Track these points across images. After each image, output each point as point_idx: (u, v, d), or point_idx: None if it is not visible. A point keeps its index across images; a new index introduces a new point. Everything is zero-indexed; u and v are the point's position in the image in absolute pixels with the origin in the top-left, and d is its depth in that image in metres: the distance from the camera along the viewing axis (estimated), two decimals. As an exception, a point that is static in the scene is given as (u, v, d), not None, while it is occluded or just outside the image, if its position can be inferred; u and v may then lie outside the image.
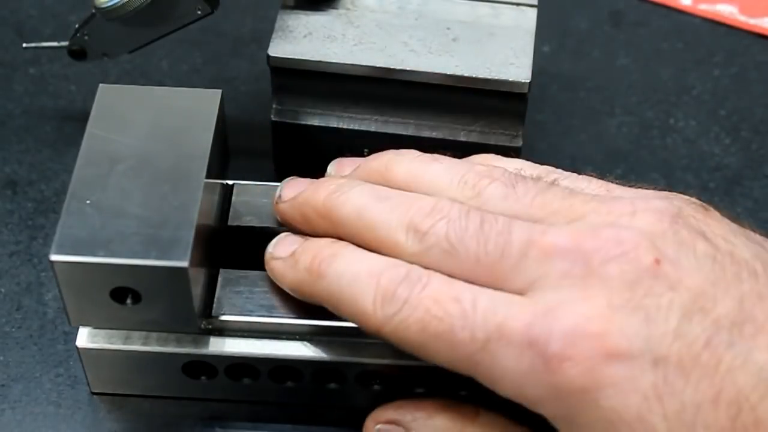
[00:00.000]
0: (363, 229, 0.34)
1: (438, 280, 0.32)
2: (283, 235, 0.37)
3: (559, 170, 0.37)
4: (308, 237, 0.36)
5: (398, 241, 0.33)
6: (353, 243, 0.35)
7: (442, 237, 0.33)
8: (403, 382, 0.38)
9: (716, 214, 0.33)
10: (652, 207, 0.32)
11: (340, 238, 0.35)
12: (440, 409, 0.35)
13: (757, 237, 0.33)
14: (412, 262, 0.33)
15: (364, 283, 0.33)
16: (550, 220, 0.33)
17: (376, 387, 0.38)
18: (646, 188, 0.35)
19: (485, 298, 0.31)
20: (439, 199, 0.34)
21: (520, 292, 0.31)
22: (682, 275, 0.30)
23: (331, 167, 0.39)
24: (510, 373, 0.31)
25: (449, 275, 0.32)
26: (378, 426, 0.36)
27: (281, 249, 0.37)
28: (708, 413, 0.29)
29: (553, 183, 0.35)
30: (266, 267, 0.37)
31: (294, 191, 0.37)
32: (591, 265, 0.31)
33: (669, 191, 0.35)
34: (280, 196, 0.38)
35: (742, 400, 0.29)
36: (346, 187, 0.35)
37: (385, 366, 0.37)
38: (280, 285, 0.37)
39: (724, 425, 0.29)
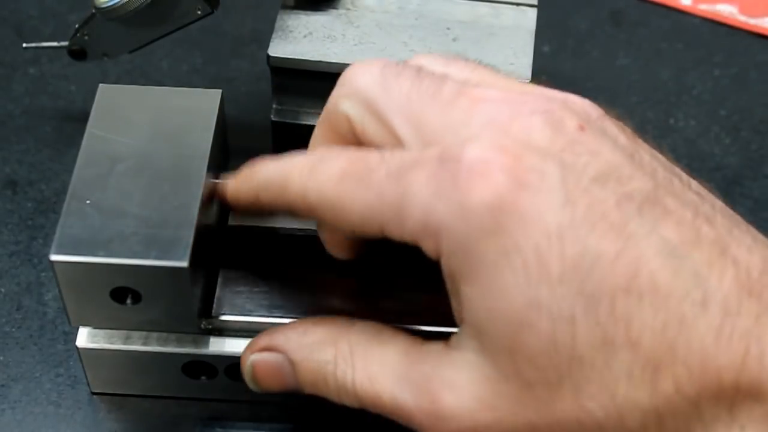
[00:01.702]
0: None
1: (354, 148, 0.32)
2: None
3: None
4: None
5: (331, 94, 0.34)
6: None
7: (378, 72, 0.33)
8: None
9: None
10: (585, 102, 0.33)
11: None
12: (313, 325, 0.35)
13: (676, 169, 0.33)
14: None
15: (291, 163, 0.33)
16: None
17: (376, 387, 0.38)
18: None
19: (401, 149, 0.32)
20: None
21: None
22: (603, 149, 0.30)
23: None
24: (420, 198, 0.30)
25: (380, 115, 0.32)
26: (253, 356, 0.35)
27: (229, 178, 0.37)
28: (606, 266, 0.28)
29: (486, 66, 0.35)
30: (224, 201, 0.37)
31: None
32: (516, 114, 0.31)
33: None
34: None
35: (643, 263, 0.28)
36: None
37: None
38: (229, 204, 0.37)
39: (618, 282, 0.28)
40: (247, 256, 0.39)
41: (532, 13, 0.44)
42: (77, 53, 0.46)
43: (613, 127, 0.32)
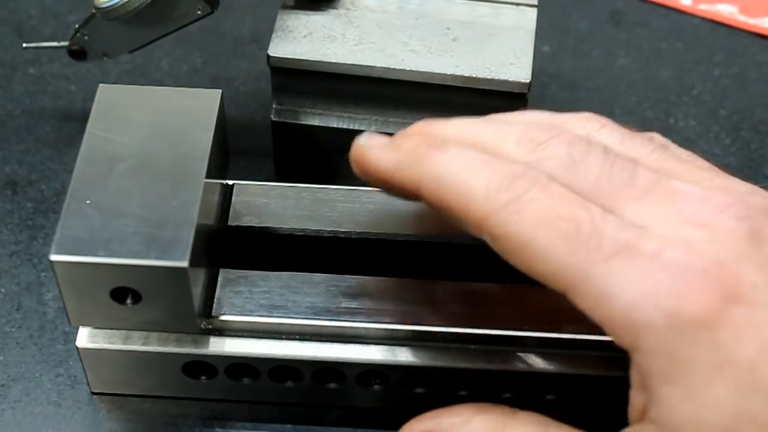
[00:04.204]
0: (469, 142, 0.33)
1: (559, 186, 0.30)
2: (370, 133, 0.35)
3: (662, 137, 0.36)
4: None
5: (507, 152, 0.32)
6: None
7: (563, 151, 0.31)
8: (403, 383, 0.38)
9: None
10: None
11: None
12: (477, 412, 0.34)
13: None
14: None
15: (478, 169, 0.31)
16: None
17: (376, 387, 0.38)
18: None
19: (613, 216, 0.30)
20: (556, 124, 0.33)
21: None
22: None
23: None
24: (628, 291, 0.29)
25: None
26: None
27: (377, 138, 0.34)
28: None
29: (665, 146, 0.34)
30: (353, 156, 0.34)
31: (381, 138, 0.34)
32: (717, 215, 0.30)
33: None
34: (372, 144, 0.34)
35: None
36: (449, 119, 0.34)
37: (385, 366, 0.37)
38: (368, 173, 0.34)
39: None
40: (247, 256, 0.39)
41: (532, 13, 0.44)
42: (77, 53, 0.46)
43: None
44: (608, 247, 0.30)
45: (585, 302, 0.30)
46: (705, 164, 0.35)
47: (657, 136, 0.35)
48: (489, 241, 0.31)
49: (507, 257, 0.31)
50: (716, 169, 0.34)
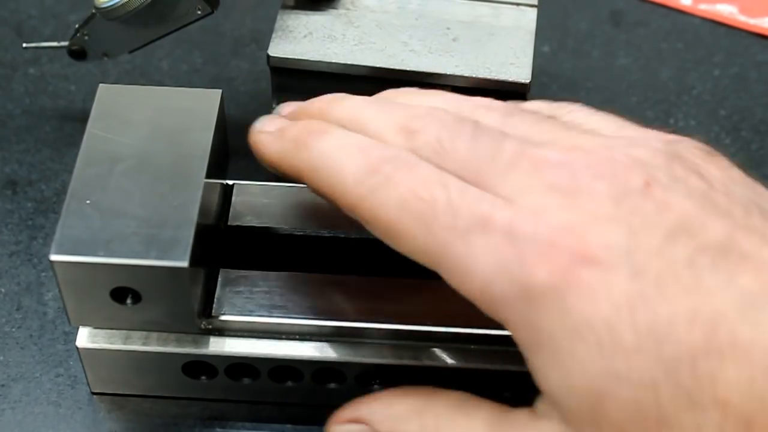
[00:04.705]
0: (354, 127, 0.34)
1: (427, 166, 0.31)
2: (270, 115, 0.37)
3: (579, 105, 0.36)
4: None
5: (386, 140, 0.33)
6: None
7: (432, 137, 0.32)
8: (402, 383, 0.38)
9: (722, 161, 0.32)
10: (650, 144, 0.32)
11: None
12: (397, 396, 0.34)
13: (764, 192, 0.32)
14: None
15: (350, 155, 0.32)
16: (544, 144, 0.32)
17: (376, 387, 0.38)
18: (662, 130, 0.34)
19: (473, 192, 0.31)
20: (436, 107, 0.33)
21: (506, 200, 0.31)
22: (672, 201, 0.30)
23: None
24: (482, 266, 0.30)
25: None
26: (337, 428, 0.35)
27: (269, 124, 0.36)
28: (682, 329, 0.28)
29: (552, 117, 0.34)
30: (250, 141, 0.36)
31: (289, 109, 0.37)
32: (579, 179, 0.30)
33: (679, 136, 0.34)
34: (263, 126, 0.36)
35: (720, 320, 0.28)
36: (345, 96, 0.36)
37: (385, 366, 0.37)
38: (260, 159, 0.36)
39: (696, 344, 0.27)
40: (247, 256, 0.39)
41: (532, 13, 0.44)
42: (77, 53, 0.46)
43: (681, 168, 0.31)
44: (463, 223, 0.30)
45: (452, 280, 0.31)
46: (604, 123, 0.34)
47: (560, 108, 0.35)
48: (364, 226, 0.32)
49: (383, 240, 0.32)
50: (619, 123, 0.34)
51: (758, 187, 0.32)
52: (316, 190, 0.34)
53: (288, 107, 0.38)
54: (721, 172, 0.31)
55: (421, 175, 0.31)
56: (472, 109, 0.34)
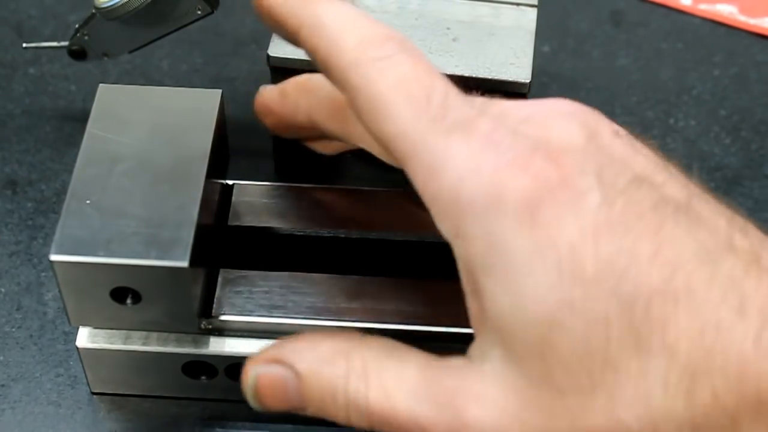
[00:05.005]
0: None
1: (430, 62, 0.31)
2: None
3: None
4: None
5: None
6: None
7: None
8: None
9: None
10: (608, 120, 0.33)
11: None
12: (323, 337, 0.33)
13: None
14: None
15: (358, 22, 0.31)
16: None
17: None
18: None
19: (468, 96, 0.31)
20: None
21: None
22: (636, 156, 0.30)
23: None
24: (457, 164, 0.29)
25: None
26: (257, 368, 0.33)
27: None
28: (641, 266, 0.28)
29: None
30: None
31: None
32: (554, 117, 0.31)
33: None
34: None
35: (678, 265, 0.28)
36: None
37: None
38: (260, 7, 0.33)
39: (654, 283, 0.27)
40: (247, 256, 0.39)
41: (532, 13, 0.44)
42: (77, 53, 0.46)
43: (641, 144, 0.32)
44: (451, 119, 0.30)
45: (418, 175, 0.30)
46: None
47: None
48: (345, 93, 0.31)
49: (359, 114, 0.31)
50: None
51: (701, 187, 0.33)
52: (309, 49, 0.32)
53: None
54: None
55: (425, 63, 0.31)
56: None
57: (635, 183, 0.29)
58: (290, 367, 0.32)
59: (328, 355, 0.32)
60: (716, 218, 0.29)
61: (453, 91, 0.31)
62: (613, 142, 0.30)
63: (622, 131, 0.32)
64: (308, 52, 0.32)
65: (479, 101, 0.32)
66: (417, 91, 0.30)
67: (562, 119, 0.31)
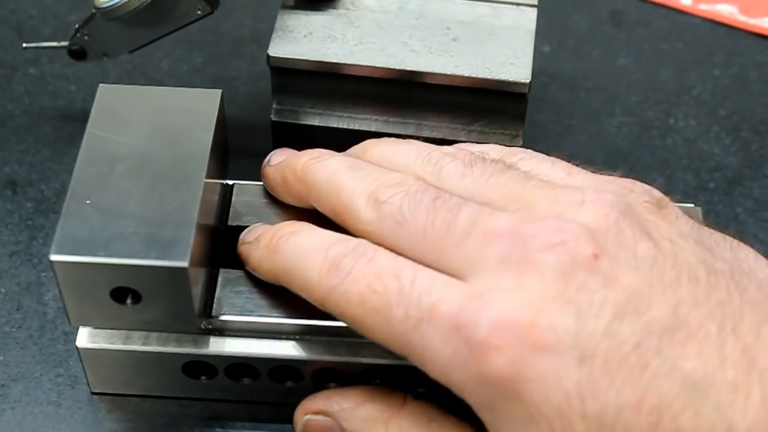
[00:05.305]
0: (330, 192, 0.36)
1: (383, 256, 0.33)
2: (255, 225, 0.38)
3: (529, 151, 0.37)
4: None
5: (357, 207, 0.34)
6: (321, 209, 0.36)
7: (396, 207, 0.33)
8: (402, 382, 0.38)
9: (671, 212, 0.33)
10: (602, 200, 0.32)
11: (311, 207, 0.37)
12: (367, 398, 0.36)
13: (711, 241, 0.33)
14: (365, 231, 0.34)
15: (313, 255, 0.34)
16: (500, 203, 0.33)
17: (376, 387, 0.38)
18: (612, 175, 0.35)
19: (424, 277, 0.32)
20: (406, 175, 0.35)
21: (460, 274, 0.31)
22: (619, 273, 0.30)
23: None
24: (438, 356, 0.31)
25: (397, 251, 0.33)
26: (307, 417, 0.36)
27: (250, 235, 0.38)
28: (629, 417, 0.28)
29: (511, 165, 0.35)
30: (238, 252, 0.38)
31: (282, 156, 0.39)
32: (528, 252, 0.31)
33: (633, 180, 0.35)
34: (269, 161, 0.39)
35: (664, 408, 0.28)
36: (326, 156, 0.37)
37: (385, 366, 0.37)
38: (248, 268, 0.37)
39: (643, 431, 0.28)
40: (247, 256, 0.39)
41: (532, 13, 0.44)
42: (77, 53, 0.46)
43: (630, 229, 0.32)
44: (415, 314, 0.31)
45: (418, 365, 0.32)
46: (554, 169, 0.35)
47: (516, 155, 0.36)
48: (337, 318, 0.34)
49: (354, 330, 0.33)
50: (566, 169, 0.35)
51: (706, 236, 0.33)
52: (291, 290, 0.35)
53: (277, 156, 0.39)
54: (669, 227, 0.32)
55: (377, 266, 0.32)
56: (438, 158, 0.36)
57: (618, 316, 0.29)
58: (336, 423, 0.36)
59: (371, 419, 0.35)
60: (707, 324, 0.30)
61: (407, 278, 0.32)
62: (593, 267, 0.30)
63: (607, 224, 0.31)
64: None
65: (452, 265, 0.32)
66: (376, 301, 0.32)
67: (538, 253, 0.31)
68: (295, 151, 0.39)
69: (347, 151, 0.39)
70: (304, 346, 0.37)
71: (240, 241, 0.38)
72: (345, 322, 0.33)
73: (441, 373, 0.31)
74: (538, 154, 0.37)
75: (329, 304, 0.33)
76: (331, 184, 0.36)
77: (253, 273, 0.37)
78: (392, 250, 0.33)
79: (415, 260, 0.32)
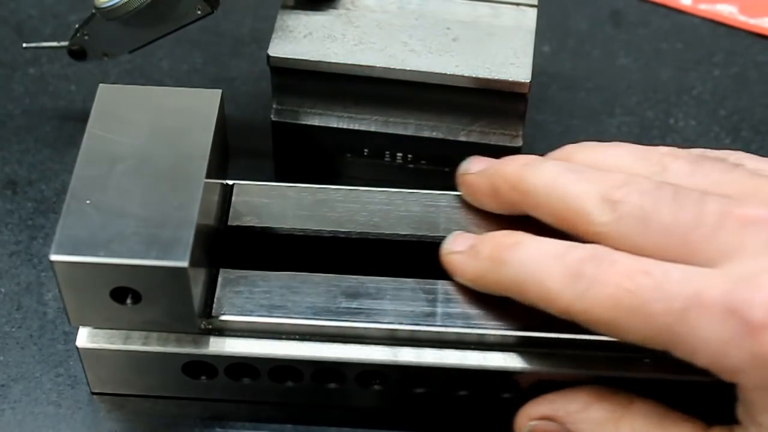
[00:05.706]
0: (554, 199, 0.34)
1: (624, 256, 0.32)
2: (457, 233, 0.37)
3: (741, 152, 0.37)
4: (483, 234, 0.37)
5: (590, 211, 0.33)
6: (540, 215, 0.35)
7: (636, 205, 0.33)
8: (403, 382, 0.38)
9: None
10: None
11: (525, 214, 0.36)
12: (594, 399, 0.35)
13: None
14: (600, 233, 0.33)
15: (550, 264, 0.33)
16: (738, 197, 0.33)
17: (376, 387, 0.38)
18: None
19: (675, 269, 0.31)
20: (632, 174, 0.34)
21: (712, 265, 0.31)
22: None
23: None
24: (709, 342, 0.30)
25: (635, 250, 0.32)
26: (532, 423, 0.36)
27: (459, 244, 0.37)
28: None
29: (738, 164, 0.35)
30: (443, 263, 0.37)
31: (483, 164, 0.38)
32: None
33: None
34: (467, 169, 0.38)
35: None
36: (539, 161, 0.36)
37: (385, 366, 0.37)
38: (459, 279, 0.37)
39: None
40: (247, 256, 0.39)
41: (532, 13, 0.44)
42: (77, 53, 0.46)
43: None
44: (678, 305, 0.31)
45: (684, 357, 0.31)
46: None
47: (733, 155, 0.36)
48: (580, 325, 0.33)
49: (605, 335, 0.33)
50: None
51: None
52: (523, 301, 0.34)
53: (477, 164, 0.38)
54: None
55: (622, 266, 0.32)
56: (658, 158, 0.35)
57: None
58: (562, 426, 0.35)
59: (601, 420, 0.34)
60: None
61: (659, 272, 0.31)
62: None
63: None
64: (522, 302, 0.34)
65: (704, 255, 0.32)
66: (631, 299, 0.31)
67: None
68: (493, 159, 0.38)
69: (549, 156, 0.38)
70: (304, 346, 0.37)
71: (446, 250, 0.37)
72: (594, 328, 0.32)
73: (713, 358, 0.30)
74: (749, 154, 0.36)
75: (575, 311, 0.32)
76: (553, 190, 0.34)
77: (467, 284, 0.36)
78: (628, 251, 0.32)
79: (655, 257, 0.32)
